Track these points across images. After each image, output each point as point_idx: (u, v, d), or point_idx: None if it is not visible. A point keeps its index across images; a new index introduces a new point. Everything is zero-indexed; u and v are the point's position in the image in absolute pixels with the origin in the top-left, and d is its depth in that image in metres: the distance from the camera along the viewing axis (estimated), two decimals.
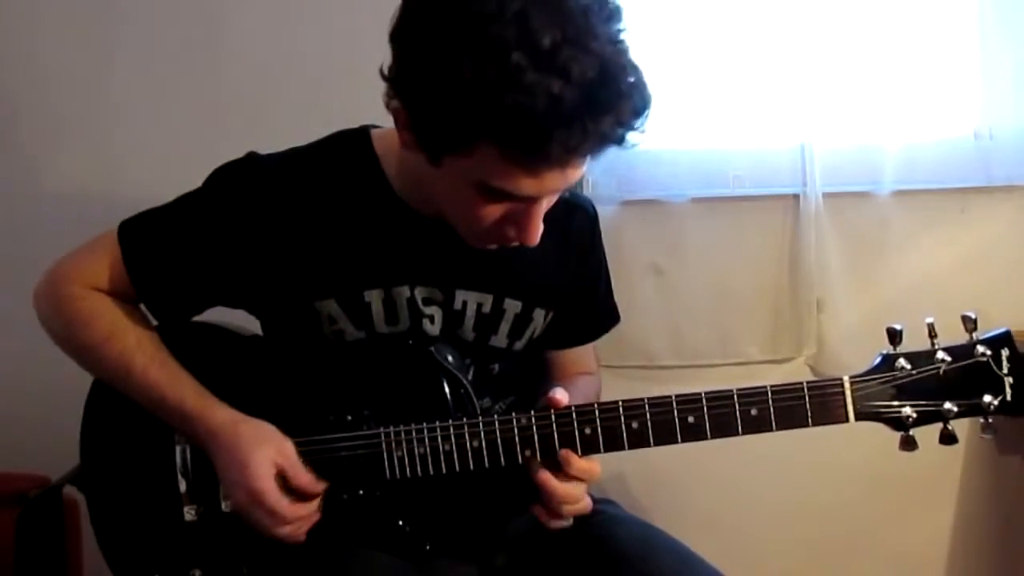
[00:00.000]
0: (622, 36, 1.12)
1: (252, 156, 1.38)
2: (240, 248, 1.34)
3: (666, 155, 2.01)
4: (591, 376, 1.54)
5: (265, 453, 1.26)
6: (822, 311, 2.05)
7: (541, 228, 1.21)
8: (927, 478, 2.06)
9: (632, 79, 1.11)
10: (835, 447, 1.93)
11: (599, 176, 1.98)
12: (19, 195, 1.97)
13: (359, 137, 1.38)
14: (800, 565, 2.10)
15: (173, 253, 1.36)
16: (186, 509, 1.34)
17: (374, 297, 1.33)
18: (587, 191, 1.94)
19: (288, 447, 1.28)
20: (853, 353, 2.03)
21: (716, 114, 2.02)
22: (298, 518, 1.27)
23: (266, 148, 1.41)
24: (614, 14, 1.12)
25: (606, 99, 1.09)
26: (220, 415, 1.29)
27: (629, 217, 1.98)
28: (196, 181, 1.39)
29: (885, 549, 2.08)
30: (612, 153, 1.16)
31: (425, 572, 1.31)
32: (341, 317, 1.34)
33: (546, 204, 1.20)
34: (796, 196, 2.03)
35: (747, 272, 2.06)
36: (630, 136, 1.14)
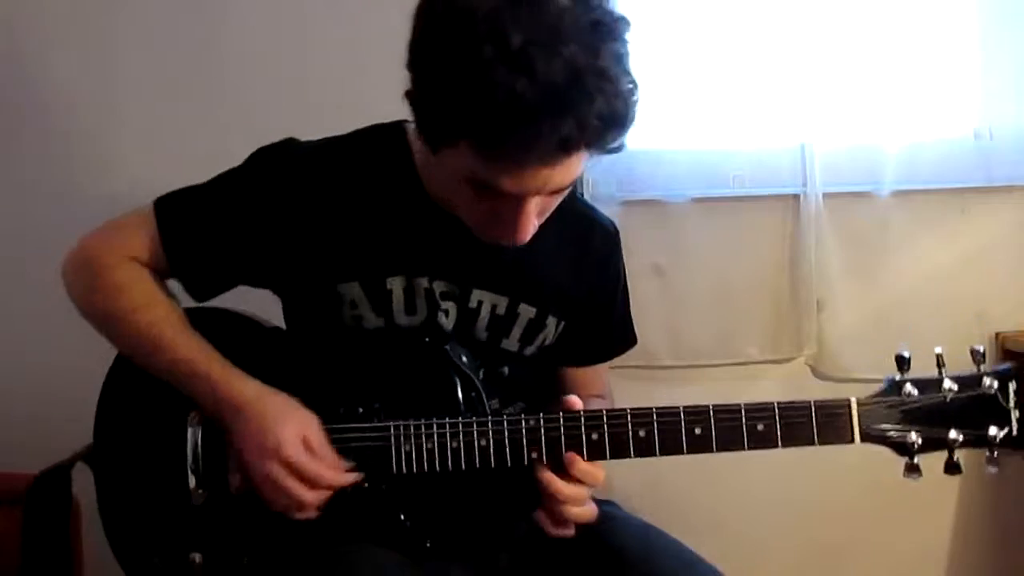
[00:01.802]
0: (611, 48, 1.11)
1: (291, 140, 1.40)
2: (272, 227, 1.35)
3: (666, 155, 2.01)
4: (602, 399, 1.52)
5: (296, 423, 1.27)
6: (822, 311, 2.05)
7: (531, 229, 1.22)
8: (927, 479, 2.04)
9: (606, 87, 1.10)
10: (835, 449, 1.92)
11: (599, 176, 1.98)
12: (20, 195, 1.97)
13: (394, 130, 1.40)
14: (800, 565, 2.10)
15: (208, 228, 1.37)
16: (193, 493, 1.34)
17: (396, 284, 1.35)
18: (587, 191, 1.95)
19: (315, 421, 1.29)
20: (853, 353, 2.03)
21: (716, 114, 2.02)
22: (327, 484, 1.27)
23: None
24: (602, 25, 1.11)
25: (568, 101, 1.08)
26: (249, 387, 1.30)
27: (629, 217, 1.97)
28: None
29: (885, 550, 2.08)
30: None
31: (424, 569, 1.31)
32: (363, 302, 1.34)
33: (535, 205, 1.20)
34: (796, 196, 2.03)
35: (747, 272, 2.06)
36: (598, 144, 1.14)
